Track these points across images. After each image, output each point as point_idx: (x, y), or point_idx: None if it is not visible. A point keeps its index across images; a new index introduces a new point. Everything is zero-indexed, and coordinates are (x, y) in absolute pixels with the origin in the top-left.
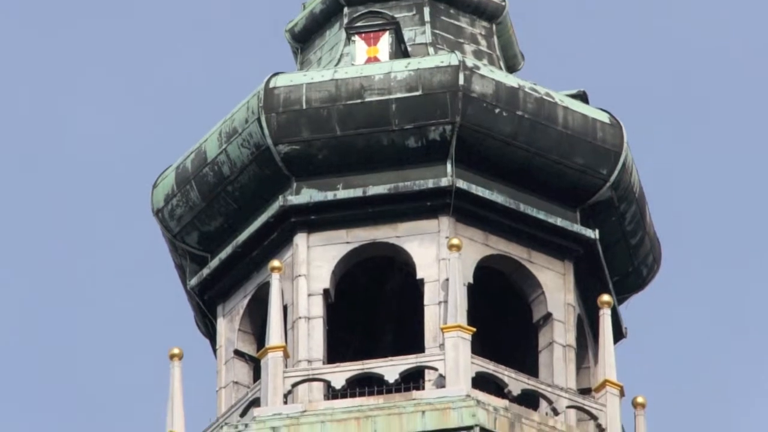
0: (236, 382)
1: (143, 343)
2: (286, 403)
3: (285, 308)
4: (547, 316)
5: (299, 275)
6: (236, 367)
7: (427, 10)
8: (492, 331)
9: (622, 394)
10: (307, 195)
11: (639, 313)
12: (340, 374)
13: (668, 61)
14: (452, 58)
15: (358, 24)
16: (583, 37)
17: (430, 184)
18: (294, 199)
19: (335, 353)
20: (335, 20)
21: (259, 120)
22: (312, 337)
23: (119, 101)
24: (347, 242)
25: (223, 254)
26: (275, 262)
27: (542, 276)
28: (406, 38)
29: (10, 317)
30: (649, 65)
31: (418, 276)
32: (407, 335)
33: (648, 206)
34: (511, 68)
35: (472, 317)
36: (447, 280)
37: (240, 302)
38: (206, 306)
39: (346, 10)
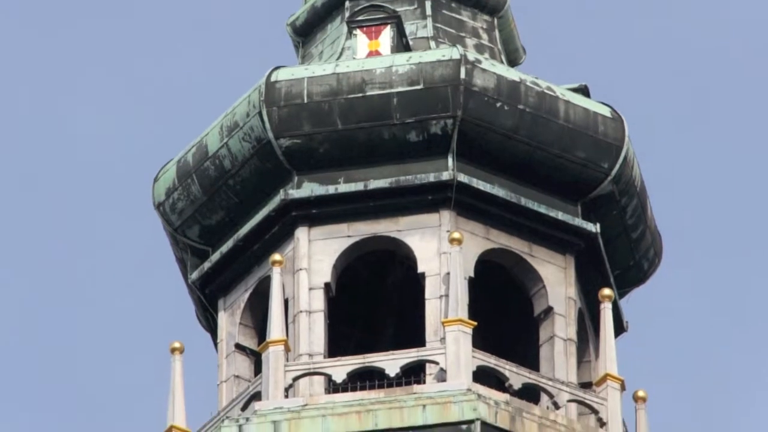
0: (237, 376)
1: (144, 337)
2: (287, 396)
3: (286, 302)
4: (548, 310)
5: (300, 269)
6: (237, 361)
7: (428, 4)
8: (493, 325)
9: (623, 387)
10: (308, 189)
11: (640, 307)
12: (341, 368)
13: (669, 55)
14: (454, 52)
15: (360, 18)
16: (585, 31)
17: (431, 177)
18: (295, 193)
19: (336, 347)
20: (336, 14)
21: (260, 114)
22: (313, 331)
23: (120, 96)
24: (348, 236)
25: (224, 248)
26: (276, 256)
27: (543, 270)
28: (407, 32)
29: (10, 314)
30: (651, 59)
31: (419, 270)
32: (408, 329)
33: (649, 200)
34: (513, 62)
35: (473, 311)
36: (448, 273)
37: (241, 296)
38: (207, 300)
39: (347, 3)
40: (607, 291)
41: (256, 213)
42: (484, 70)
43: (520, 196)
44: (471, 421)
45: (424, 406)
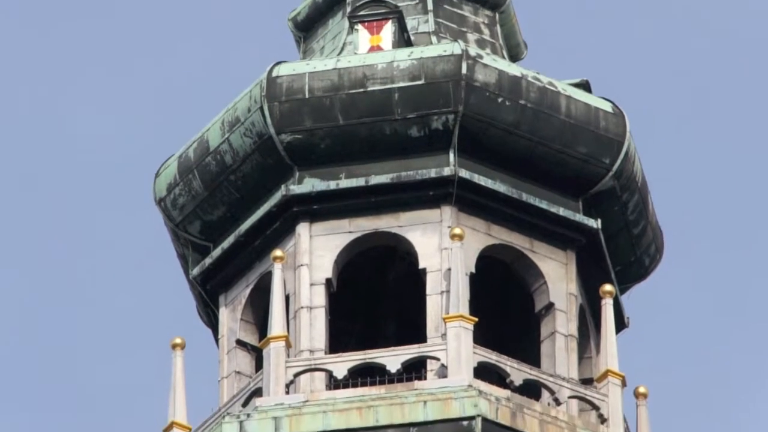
0: (238, 372)
1: (145, 333)
2: (288, 393)
3: (287, 298)
4: (549, 306)
5: (301, 265)
6: (238, 357)
7: None
8: (494, 321)
9: (624, 384)
10: (309, 184)
11: (641, 303)
12: (342, 364)
13: (671, 51)
14: (455, 47)
15: (361, 13)
16: (586, 27)
17: (432, 173)
18: (296, 189)
19: (337, 343)
20: (338, 9)
21: (261, 109)
22: (314, 327)
23: (121, 92)
24: (349, 232)
25: (226, 244)
26: (277, 252)
27: (544, 266)
28: (409, 27)
29: (11, 310)
30: (652, 54)
31: (421, 266)
32: (409, 325)
33: (650, 196)
34: (514, 57)
35: (474, 307)
36: (449, 269)
37: (242, 292)
38: (208, 296)
39: None
40: (608, 287)
41: (257, 208)
42: (485, 66)
43: (521, 192)
44: (472, 417)
45: (425, 402)
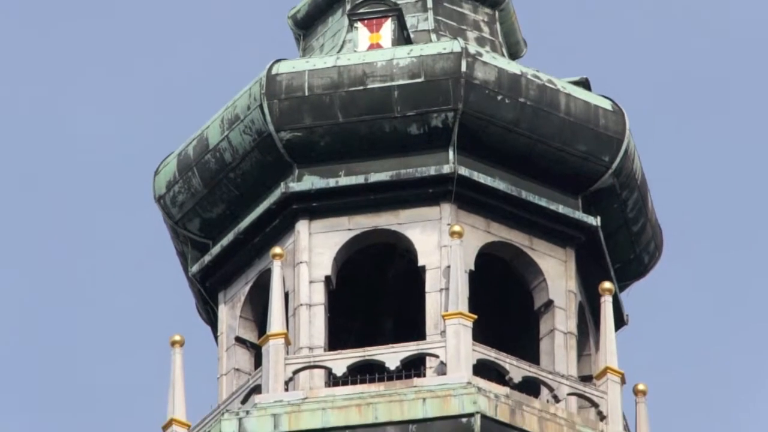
0: (237, 369)
1: (145, 330)
2: (287, 390)
3: (286, 295)
4: (549, 304)
5: (301, 262)
6: (237, 354)
7: None
8: (493, 319)
9: (623, 381)
10: (308, 182)
11: (640, 301)
12: (341, 361)
13: (670, 48)
14: (455, 45)
15: (361, 10)
16: (586, 24)
17: (432, 171)
18: (296, 186)
19: (336, 340)
20: (338, 6)
21: (261, 107)
22: (313, 324)
23: (121, 89)
24: (349, 229)
25: (225, 241)
26: (277, 249)
27: (544, 263)
28: (408, 25)
29: (11, 309)
30: (652, 52)
31: (420, 263)
32: (408, 322)
33: (650, 193)
34: (514, 55)
35: (474, 304)
36: (448, 267)
37: (241, 289)
38: (207, 293)
39: None
40: (607, 284)
41: (256, 206)
42: (485, 63)
43: (520, 189)
44: (471, 415)
45: (424, 399)
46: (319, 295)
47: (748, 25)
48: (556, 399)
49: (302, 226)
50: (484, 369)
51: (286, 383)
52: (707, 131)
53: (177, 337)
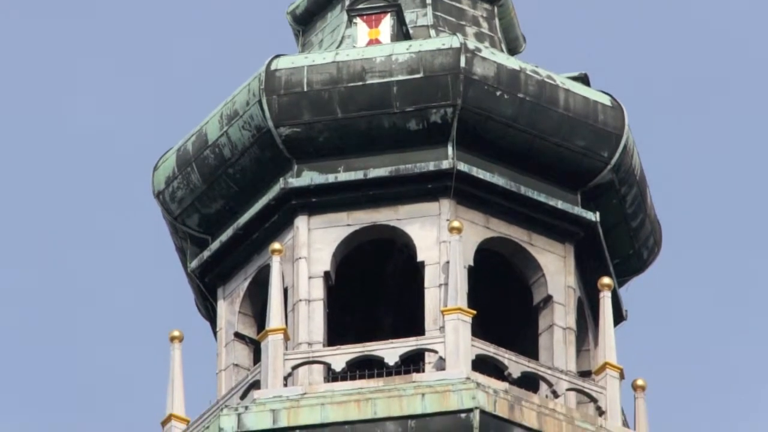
0: (236, 365)
1: (144, 325)
2: (286, 385)
3: (285, 291)
4: (548, 299)
5: (300, 258)
6: (236, 350)
7: None
8: (492, 314)
9: (622, 376)
10: (307, 177)
11: (639, 296)
12: (340, 357)
13: (669, 44)
14: (454, 41)
15: (360, 6)
16: (585, 20)
17: (431, 166)
18: (295, 182)
19: (335, 336)
20: (336, 2)
21: (260, 102)
22: (312, 320)
23: (120, 85)
24: (348, 225)
25: (224, 237)
26: (276, 245)
27: (543, 258)
28: (407, 20)
29: (9, 304)
30: (651, 48)
31: (419, 258)
32: (407, 318)
33: (649, 189)
34: (513, 51)
35: (473, 300)
36: (447, 262)
37: (240, 285)
38: (207, 288)
39: None
40: (606, 280)
41: (255, 202)
42: (484, 59)
43: (519, 185)
44: (470, 410)
45: (423, 394)
46: (318, 290)
47: (746, 21)
48: (555, 394)
49: (301, 222)
50: (483, 364)
51: (285, 378)
52: (706, 127)
53: (176, 333)
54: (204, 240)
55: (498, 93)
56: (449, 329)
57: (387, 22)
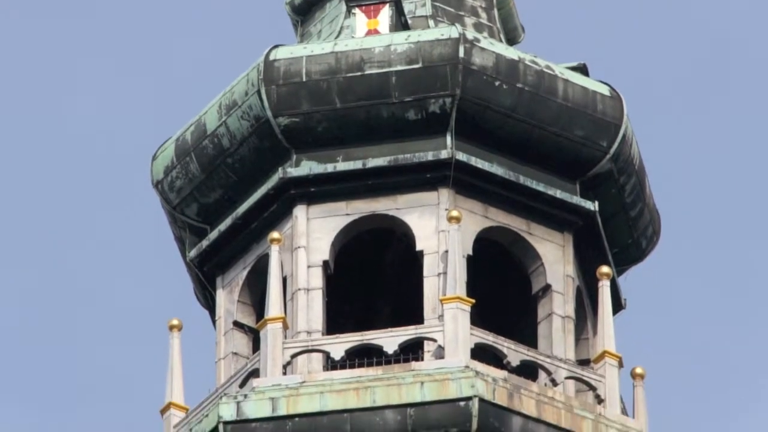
0: (235, 353)
1: (143, 314)
2: (285, 374)
3: (284, 280)
4: (546, 288)
5: (299, 247)
6: (235, 339)
7: None
8: (491, 303)
9: (620, 365)
10: (306, 167)
11: (638, 285)
12: (339, 345)
13: (668, 33)
14: (452, 31)
15: None
16: (584, 10)
17: (429, 156)
18: (293, 171)
19: (334, 324)
20: None
21: (259, 92)
22: (311, 309)
23: (119, 75)
24: (347, 214)
25: (223, 226)
26: (275, 234)
27: (541, 248)
28: (406, 11)
29: (8, 295)
30: (650, 37)
31: (418, 248)
32: (406, 307)
33: (647, 178)
34: (512, 41)
35: (471, 289)
36: (446, 251)
37: (239, 274)
38: (205, 277)
39: None
40: (605, 269)
41: (254, 191)
42: (482, 49)
43: (518, 175)
44: (469, 398)
45: (422, 383)
46: (317, 279)
47: (745, 12)
48: (554, 383)
49: (300, 211)
50: (482, 353)
51: (284, 367)
52: (705, 116)
53: (175, 322)
54: (203, 229)
55: (497, 83)
56: (448, 318)
57: (386, 13)
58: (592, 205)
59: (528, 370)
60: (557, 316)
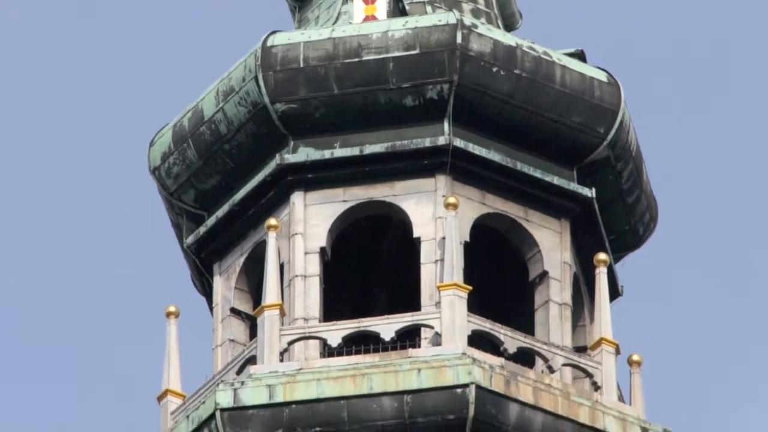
0: (232, 340)
1: (139, 301)
2: (282, 360)
3: (281, 266)
4: (544, 275)
5: (296, 233)
6: (232, 325)
7: None
8: (488, 290)
9: (617, 352)
10: (304, 153)
11: (635, 272)
12: (336, 332)
13: (666, 20)
14: (450, 17)
15: None
16: None
17: (427, 142)
18: (291, 158)
19: (331, 311)
20: None
21: (256, 78)
22: (308, 295)
23: (116, 61)
24: (344, 201)
25: (220, 212)
26: (272, 221)
27: (539, 234)
28: None
29: (6, 285)
30: (647, 24)
31: (415, 234)
32: (403, 293)
33: (645, 165)
34: (509, 27)
35: (468, 276)
36: (443, 238)
37: (236, 260)
38: (203, 264)
39: None
40: (602, 255)
41: (251, 178)
42: (480, 35)
43: (515, 161)
44: (466, 385)
45: (419, 370)
46: (314, 266)
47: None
48: (551, 370)
49: (297, 198)
50: (479, 340)
51: (281, 354)
52: (702, 103)
53: (172, 309)
54: (200, 216)
55: (494, 69)
56: (445, 305)
57: None
58: (590, 192)
59: (525, 357)
60: (554, 303)
